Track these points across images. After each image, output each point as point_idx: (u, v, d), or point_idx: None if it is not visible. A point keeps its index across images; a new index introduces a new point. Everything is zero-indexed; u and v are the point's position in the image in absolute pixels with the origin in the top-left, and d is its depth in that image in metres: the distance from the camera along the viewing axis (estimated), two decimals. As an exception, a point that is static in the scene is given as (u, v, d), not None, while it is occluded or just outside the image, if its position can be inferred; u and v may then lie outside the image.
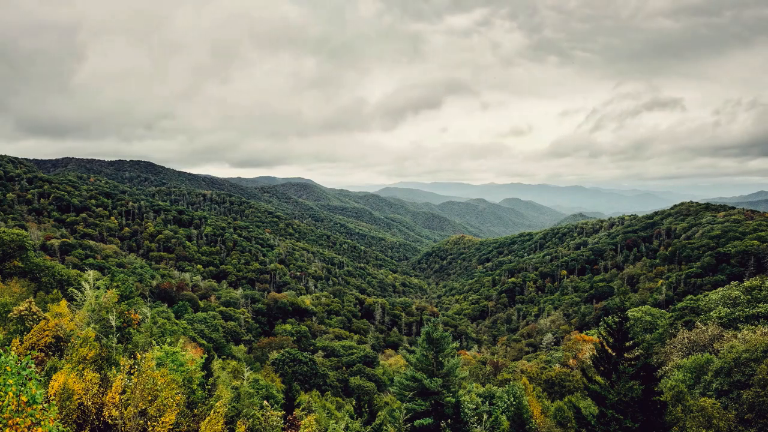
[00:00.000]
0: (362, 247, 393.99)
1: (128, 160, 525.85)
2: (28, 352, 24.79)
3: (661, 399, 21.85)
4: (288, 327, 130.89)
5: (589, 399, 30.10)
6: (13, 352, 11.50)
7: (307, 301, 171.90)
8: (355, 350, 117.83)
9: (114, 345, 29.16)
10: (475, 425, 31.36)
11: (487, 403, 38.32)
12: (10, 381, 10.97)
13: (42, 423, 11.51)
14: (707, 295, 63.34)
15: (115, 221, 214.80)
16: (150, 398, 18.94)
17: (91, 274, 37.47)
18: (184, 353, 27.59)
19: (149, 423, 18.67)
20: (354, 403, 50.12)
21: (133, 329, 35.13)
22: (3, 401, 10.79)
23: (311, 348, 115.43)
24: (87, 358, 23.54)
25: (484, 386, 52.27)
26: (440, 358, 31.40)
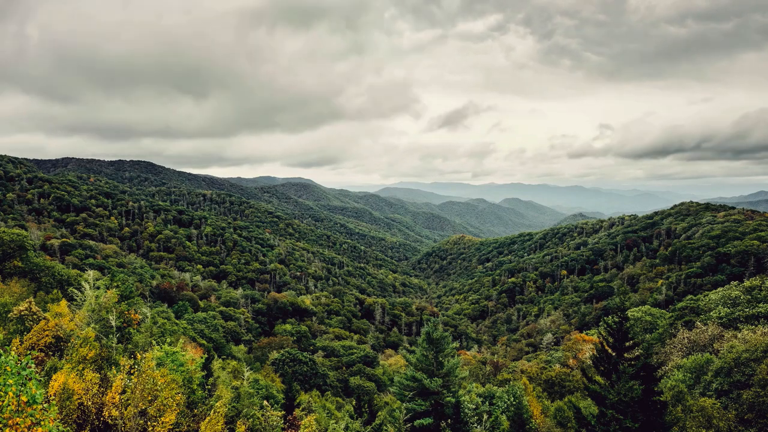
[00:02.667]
0: (362, 247, 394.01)
1: (128, 160, 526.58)
2: (28, 352, 24.79)
3: (661, 399, 21.84)
4: (288, 327, 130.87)
5: (589, 399, 30.11)
6: (13, 352, 11.49)
7: (307, 301, 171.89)
8: (355, 350, 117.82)
9: (114, 345, 29.15)
10: (475, 425, 31.35)
11: (487, 403, 38.30)
12: (10, 381, 10.97)
13: (42, 423, 11.51)
14: (707, 295, 63.32)
15: (115, 221, 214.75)
16: (150, 398, 18.93)
17: (91, 274, 37.46)
18: (184, 353, 27.59)
19: (149, 423, 18.67)
20: (354, 403, 50.19)
21: (133, 329, 35.12)
22: (3, 401, 10.79)
23: (311, 348, 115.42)
24: (87, 358, 23.54)
25: (484, 386, 52.29)
26: (440, 358, 31.39)
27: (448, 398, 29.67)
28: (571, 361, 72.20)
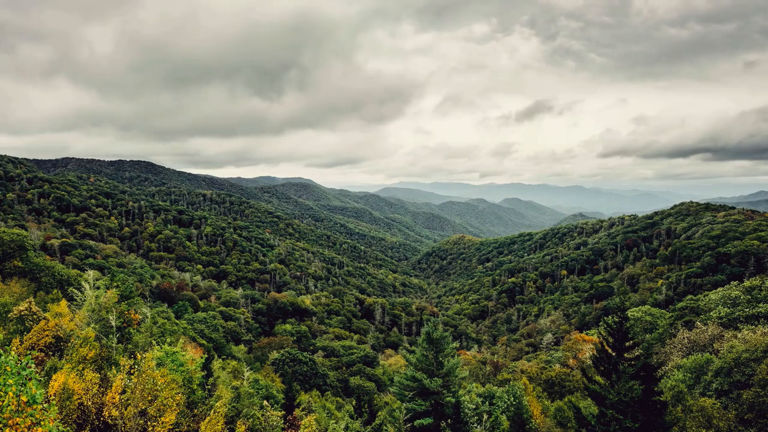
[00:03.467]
0: (362, 247, 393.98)
1: (128, 160, 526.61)
2: (28, 352, 24.79)
3: (661, 399, 21.84)
4: (288, 327, 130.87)
5: (589, 399, 30.11)
6: (13, 352, 11.49)
7: (307, 301, 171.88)
8: (355, 350, 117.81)
9: (114, 345, 29.15)
10: (475, 425, 31.35)
11: (487, 403, 38.31)
12: (10, 381, 10.97)
13: (42, 423, 11.51)
14: (707, 295, 63.33)
15: (115, 221, 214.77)
16: (150, 398, 18.93)
17: (91, 274, 37.45)
18: (184, 353, 27.59)
19: (149, 423, 18.67)
20: (354, 403, 50.19)
21: (133, 329, 35.12)
22: (3, 401, 10.79)
23: (311, 348, 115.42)
24: (87, 358, 23.54)
25: (484, 386, 52.29)
26: (440, 358, 31.39)
27: (448, 398, 29.67)
28: (571, 361, 72.20)
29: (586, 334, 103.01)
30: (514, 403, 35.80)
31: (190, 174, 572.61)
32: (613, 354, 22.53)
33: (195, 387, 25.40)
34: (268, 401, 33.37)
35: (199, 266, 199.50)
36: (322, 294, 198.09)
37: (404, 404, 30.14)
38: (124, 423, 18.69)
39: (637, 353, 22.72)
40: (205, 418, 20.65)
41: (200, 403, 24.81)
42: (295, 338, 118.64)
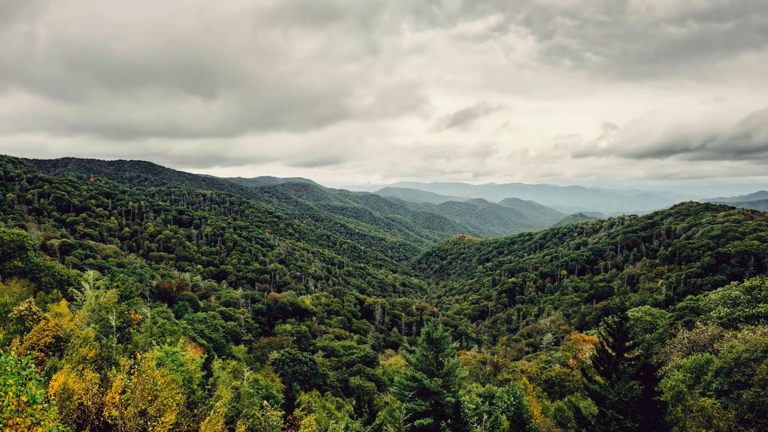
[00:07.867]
0: (362, 247, 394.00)
1: (128, 160, 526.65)
2: (28, 352, 24.78)
3: (661, 399, 21.85)
4: (288, 327, 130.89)
5: (589, 399, 30.12)
6: (13, 352, 11.49)
7: (307, 301, 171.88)
8: (355, 350, 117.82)
9: (114, 345, 29.15)
10: (475, 425, 31.35)
11: (487, 403, 38.32)
12: (10, 381, 10.97)
13: (42, 423, 11.51)
14: (707, 295, 63.32)
15: (115, 221, 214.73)
16: (150, 398, 18.93)
17: (91, 274, 37.43)
18: (184, 353, 27.57)
19: (149, 423, 18.67)
20: (354, 403, 50.18)
21: (133, 329, 35.11)
22: (3, 401, 10.79)
23: (311, 348, 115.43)
24: (87, 358, 23.54)
25: (484, 386, 52.30)
26: (440, 358, 31.39)
27: (448, 398, 29.68)
28: (571, 361, 72.20)
29: (586, 334, 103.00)
30: (514, 403, 35.80)
31: (190, 174, 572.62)
32: (613, 354, 22.53)
33: (195, 387, 25.40)
34: (268, 401, 33.36)
35: (199, 266, 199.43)
36: (322, 294, 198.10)
37: (404, 404, 30.14)
38: (124, 423, 18.69)
39: (637, 353, 22.74)
40: (205, 418, 20.66)
41: (200, 403, 24.80)
42: (295, 338, 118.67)
